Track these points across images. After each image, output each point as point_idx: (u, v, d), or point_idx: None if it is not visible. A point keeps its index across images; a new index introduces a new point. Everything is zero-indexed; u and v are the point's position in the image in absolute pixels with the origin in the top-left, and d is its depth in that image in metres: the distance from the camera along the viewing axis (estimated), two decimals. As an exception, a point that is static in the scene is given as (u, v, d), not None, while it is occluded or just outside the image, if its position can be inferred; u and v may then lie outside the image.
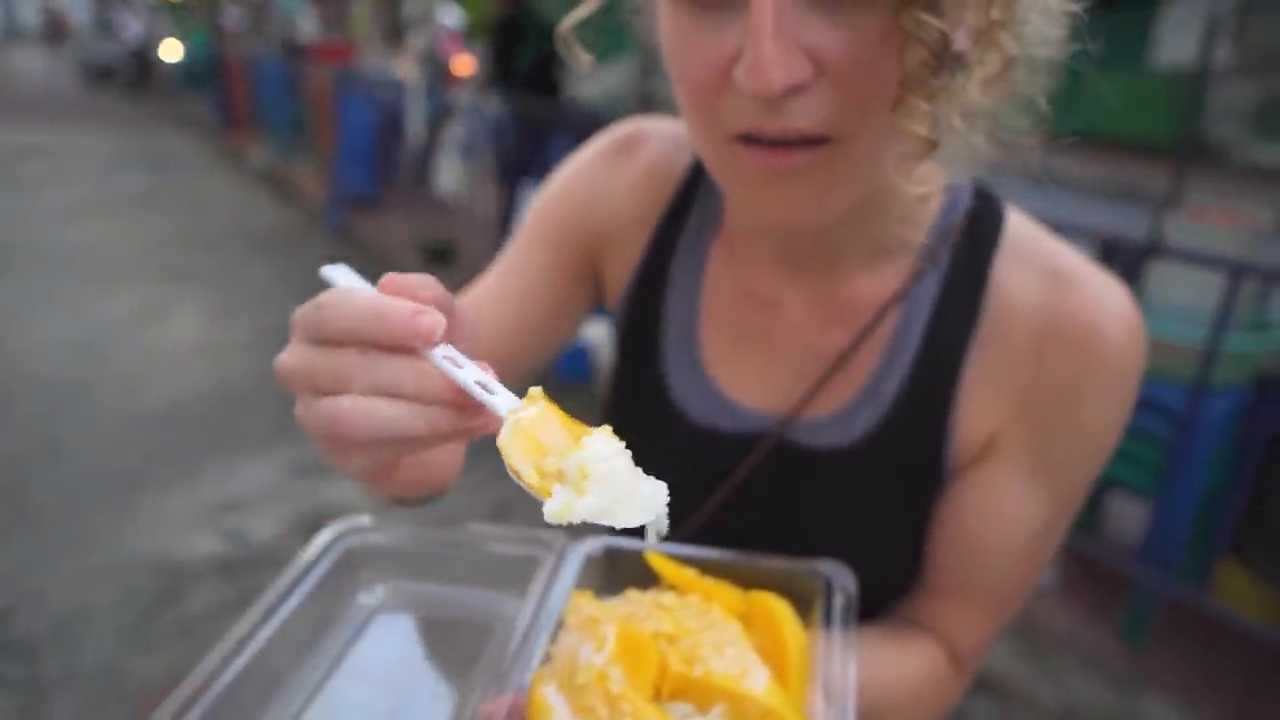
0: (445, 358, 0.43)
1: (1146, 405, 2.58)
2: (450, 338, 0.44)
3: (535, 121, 5.47)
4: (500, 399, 0.42)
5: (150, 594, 2.93)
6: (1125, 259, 2.57)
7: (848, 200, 0.58)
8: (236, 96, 12.37)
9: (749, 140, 0.55)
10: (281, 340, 0.47)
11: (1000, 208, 0.72)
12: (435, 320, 0.42)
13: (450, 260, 6.36)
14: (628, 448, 0.43)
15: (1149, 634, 2.62)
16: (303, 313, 0.46)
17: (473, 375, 0.43)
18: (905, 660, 0.71)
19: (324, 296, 0.45)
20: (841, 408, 0.72)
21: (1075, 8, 0.54)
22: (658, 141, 0.83)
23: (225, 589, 2.98)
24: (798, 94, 0.51)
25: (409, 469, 0.52)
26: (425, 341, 0.42)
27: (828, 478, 0.72)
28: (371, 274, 0.49)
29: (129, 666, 2.60)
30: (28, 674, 2.54)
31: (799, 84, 0.50)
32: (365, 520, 0.62)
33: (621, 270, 0.82)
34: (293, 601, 0.54)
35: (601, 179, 0.82)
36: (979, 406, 0.69)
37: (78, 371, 4.71)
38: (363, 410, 0.42)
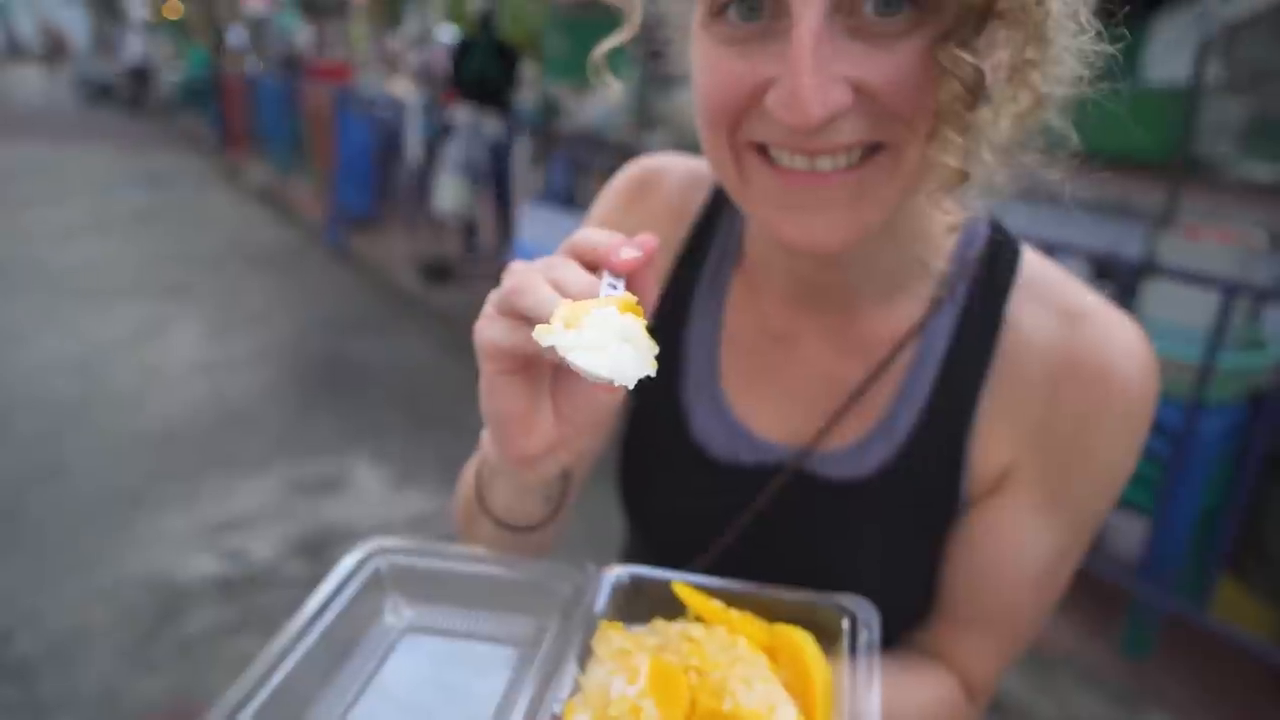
0: (609, 285, 0.53)
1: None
2: (632, 283, 0.55)
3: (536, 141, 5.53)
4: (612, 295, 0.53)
5: (149, 614, 2.92)
6: (1120, 278, 2.60)
7: (876, 224, 0.59)
8: (235, 115, 12.44)
9: (765, 154, 0.57)
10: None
11: (1016, 245, 0.73)
12: (629, 255, 0.55)
13: (448, 278, 6.38)
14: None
15: (1149, 650, 2.62)
16: (567, 246, 0.58)
17: (618, 294, 0.52)
18: (921, 691, 0.72)
19: (584, 228, 0.58)
20: (857, 440, 0.73)
21: (1108, 49, 0.55)
22: (673, 179, 0.84)
23: (224, 609, 2.97)
24: (834, 119, 0.52)
25: (519, 394, 0.56)
26: (613, 265, 0.54)
27: (843, 509, 0.73)
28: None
29: (128, 687, 2.59)
30: (26, 696, 2.53)
31: (836, 113, 0.51)
32: (393, 542, 0.63)
33: (646, 304, 0.84)
34: (322, 623, 0.55)
35: (620, 221, 0.84)
36: (994, 440, 0.70)
37: (75, 390, 4.71)
38: (534, 284, 0.52)
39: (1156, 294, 2.58)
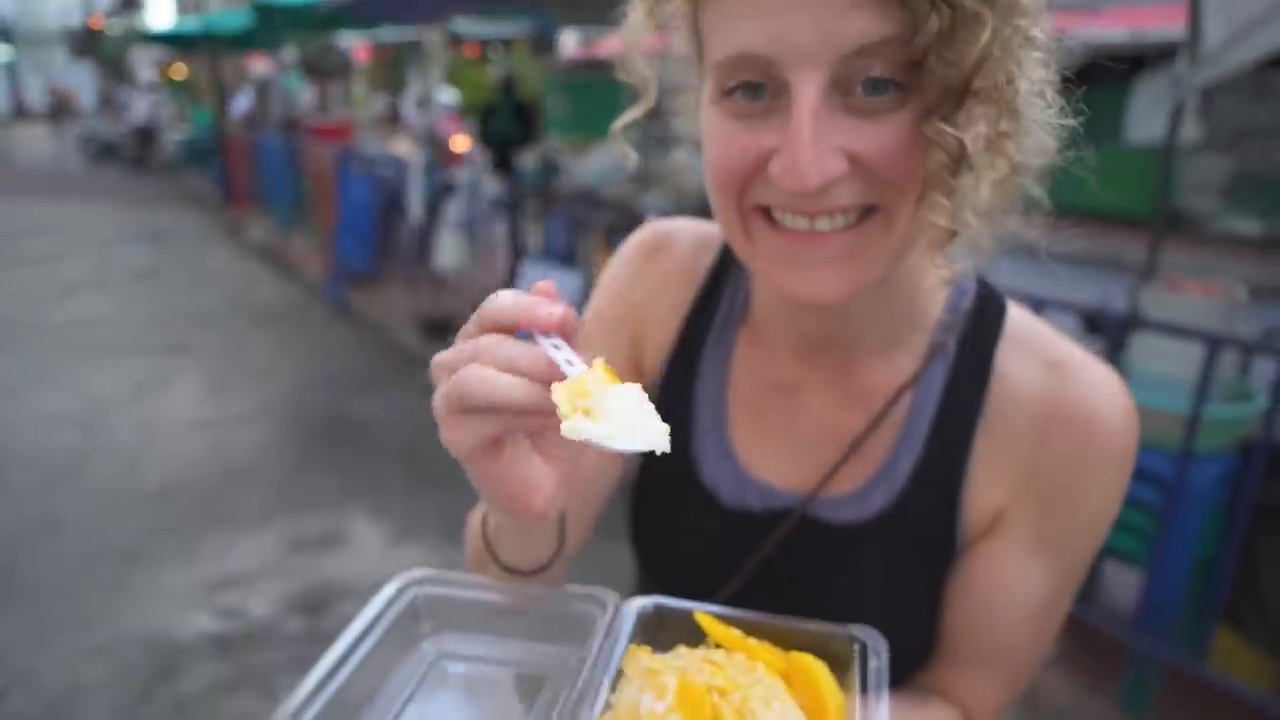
0: (553, 345, 0.53)
1: (1135, 473, 2.63)
2: (564, 335, 0.54)
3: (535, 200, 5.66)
4: (577, 368, 0.52)
5: (144, 673, 2.90)
6: (1109, 331, 2.66)
7: (873, 278, 0.64)
8: (238, 173, 12.65)
9: (769, 216, 0.62)
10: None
11: (1002, 300, 0.78)
12: (553, 311, 0.53)
13: (449, 335, 6.43)
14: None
15: (1148, 703, 2.61)
16: (475, 318, 0.57)
17: (565, 355, 0.52)
18: None
19: (495, 295, 0.56)
20: (859, 486, 0.77)
21: (1071, 122, 0.61)
22: (682, 243, 0.90)
23: (221, 667, 2.94)
24: (831, 184, 0.58)
25: (509, 464, 0.57)
26: (543, 325, 0.53)
27: (847, 552, 0.77)
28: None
29: (122, 748, 2.56)
30: (19, 757, 2.50)
31: (833, 180, 0.57)
32: (428, 572, 0.66)
33: (654, 359, 0.89)
34: (361, 649, 0.58)
35: (634, 283, 0.90)
36: (986, 484, 0.74)
37: (74, 446, 4.72)
38: (482, 376, 0.52)
39: (1143, 346, 2.64)
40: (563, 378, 0.51)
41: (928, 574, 0.76)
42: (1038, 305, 2.65)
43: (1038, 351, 0.74)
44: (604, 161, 7.95)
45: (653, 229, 0.92)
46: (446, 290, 6.91)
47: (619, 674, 0.55)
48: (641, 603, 0.62)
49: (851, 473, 0.77)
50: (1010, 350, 0.75)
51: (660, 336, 0.88)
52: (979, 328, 0.76)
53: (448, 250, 6.36)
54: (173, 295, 8.22)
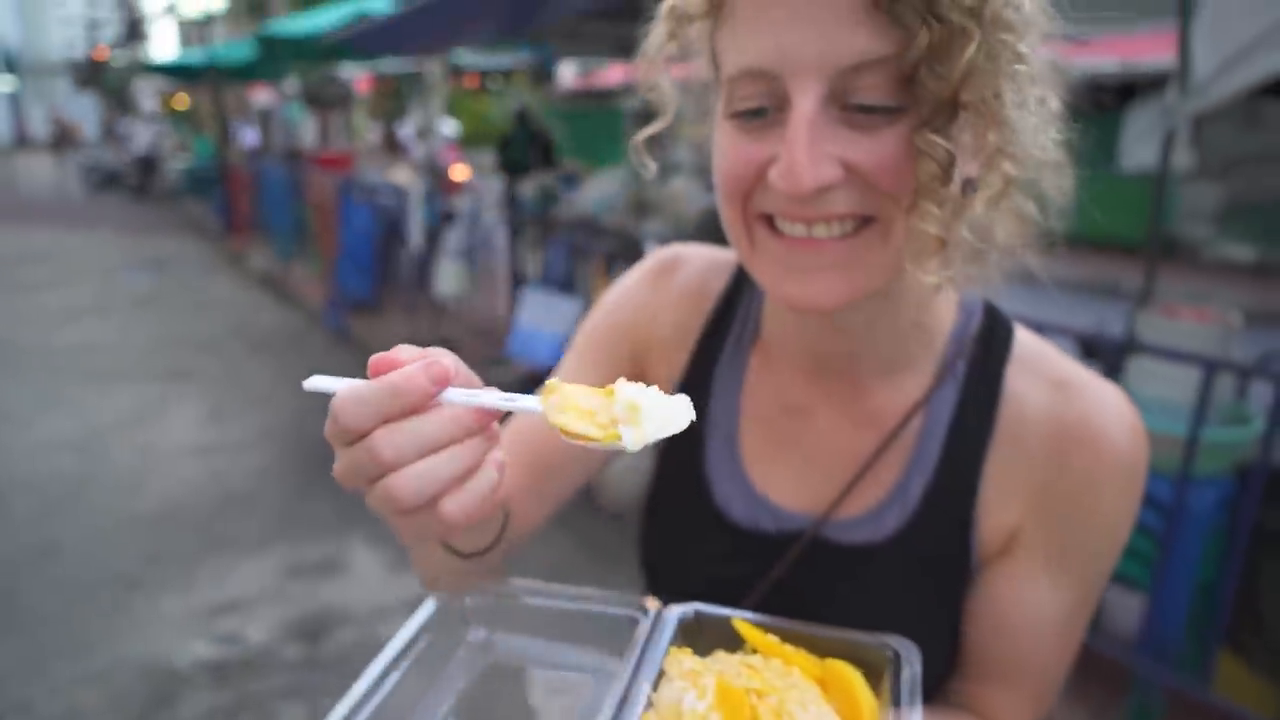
0: (463, 393, 0.49)
1: (1136, 496, 2.64)
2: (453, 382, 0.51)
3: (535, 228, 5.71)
4: (527, 400, 0.50)
5: (141, 700, 2.88)
6: (1105, 356, 2.68)
7: (870, 287, 0.66)
8: (239, 202, 12.74)
9: (773, 225, 0.65)
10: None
11: (1008, 322, 0.80)
12: (442, 364, 0.49)
13: (447, 359, 6.45)
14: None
15: (1155, 729, 2.59)
16: (328, 431, 0.50)
17: (493, 396, 0.50)
18: None
19: (335, 405, 0.49)
20: (872, 507, 0.78)
21: (1062, 136, 0.64)
22: (695, 265, 0.91)
23: (218, 694, 2.92)
24: (827, 191, 0.61)
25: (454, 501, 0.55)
26: (443, 384, 0.49)
27: (860, 573, 0.77)
28: (367, 374, 0.53)
29: (118, 777, 2.53)
30: (14, 786, 2.48)
31: (827, 185, 0.60)
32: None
33: (664, 381, 0.90)
34: (416, 648, 0.61)
35: (645, 300, 0.91)
36: (999, 505, 0.75)
37: (74, 471, 4.72)
38: (410, 476, 0.48)
39: (1140, 371, 2.66)
40: (497, 414, 0.50)
41: (942, 594, 0.77)
42: (1036, 330, 2.67)
43: (1045, 372, 0.76)
44: (603, 189, 8.02)
45: (666, 251, 0.94)
46: (446, 317, 6.95)
47: (661, 674, 0.57)
48: (682, 609, 0.64)
49: (863, 494, 0.78)
50: (1018, 371, 0.76)
51: (670, 357, 0.89)
52: (987, 350, 0.78)
53: (447, 277, 6.41)
54: (173, 322, 8.25)
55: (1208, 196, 11.13)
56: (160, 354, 7.09)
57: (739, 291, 0.89)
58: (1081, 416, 0.72)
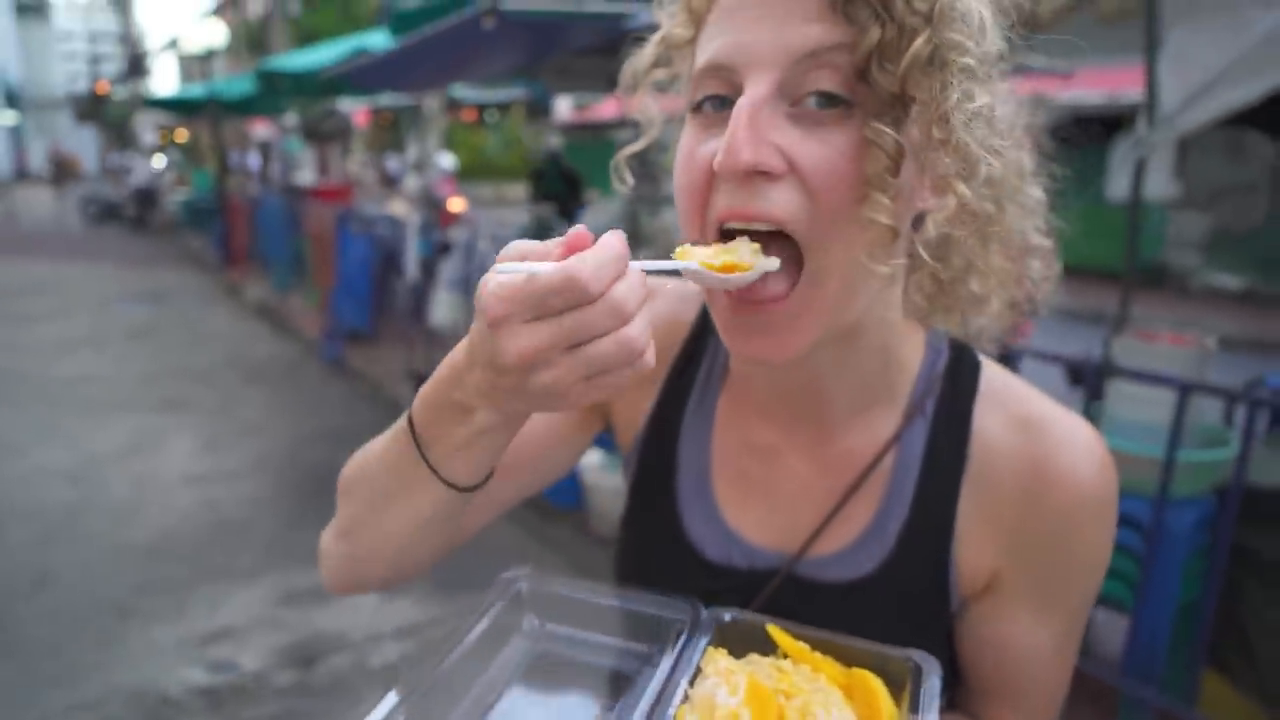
0: (643, 270, 0.55)
1: (1118, 519, 2.68)
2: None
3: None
4: (678, 263, 0.60)
5: (134, 728, 2.88)
6: (1086, 380, 2.74)
7: (815, 335, 0.65)
8: (237, 234, 12.84)
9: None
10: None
11: (975, 358, 0.80)
12: (632, 281, 0.53)
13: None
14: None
15: (1143, 751, 2.61)
16: (521, 293, 0.52)
17: (644, 265, 0.55)
18: None
19: (548, 282, 0.51)
20: (849, 545, 0.78)
21: (1007, 159, 0.67)
22: (663, 298, 0.91)
23: (211, 721, 2.93)
24: (771, 181, 0.61)
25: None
26: (619, 269, 0.53)
27: (838, 610, 0.77)
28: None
29: (109, 804, 2.53)
30: (4, 814, 2.47)
31: (765, 167, 0.60)
32: (534, 570, 0.75)
33: (632, 417, 0.90)
34: (478, 629, 0.67)
35: None
36: (976, 542, 0.75)
37: (67, 500, 4.73)
38: (582, 393, 0.54)
39: (1120, 395, 2.71)
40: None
41: (920, 631, 0.76)
42: (1022, 356, 2.74)
43: (1013, 408, 0.76)
44: (597, 220, 8.12)
45: None
46: (440, 346, 7.00)
47: (697, 671, 0.61)
48: (720, 612, 0.68)
49: (838, 532, 0.78)
50: (986, 408, 0.77)
51: (635, 398, 0.90)
52: (955, 387, 0.78)
53: (443, 308, 6.47)
54: (170, 353, 8.28)
55: (1194, 226, 11.29)
56: (156, 385, 7.11)
57: (704, 331, 0.88)
58: (1051, 455, 0.73)
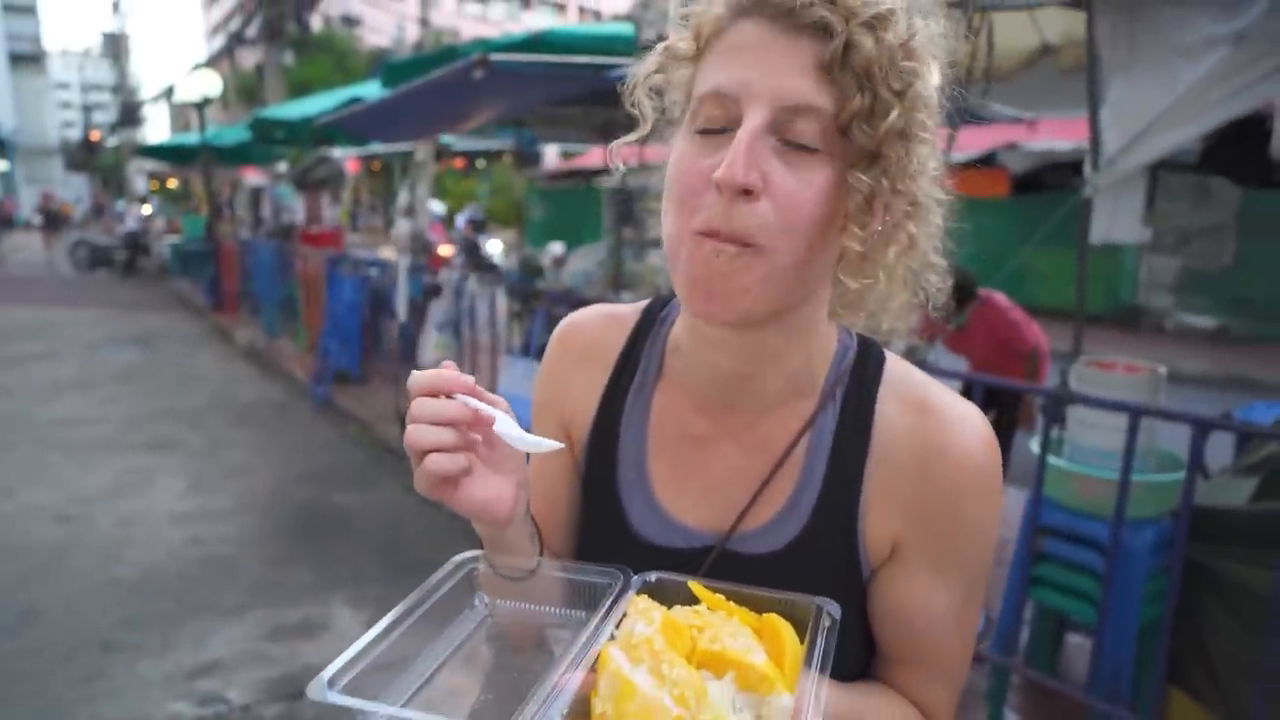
0: (465, 401, 0.74)
1: (1080, 540, 2.79)
2: (472, 394, 0.74)
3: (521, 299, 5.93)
4: (488, 410, 0.74)
5: (119, 760, 2.90)
6: (1046, 408, 2.87)
7: (762, 303, 0.76)
8: (228, 278, 12.95)
9: (705, 238, 0.77)
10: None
11: (880, 351, 0.90)
12: (457, 376, 0.74)
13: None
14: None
15: (1113, 771, 2.67)
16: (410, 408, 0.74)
17: (475, 404, 0.74)
18: (892, 706, 0.88)
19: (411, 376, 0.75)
20: (769, 520, 0.87)
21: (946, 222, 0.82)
22: (591, 325, 1.02)
23: (197, 753, 2.95)
24: (748, 200, 0.72)
25: (469, 488, 0.75)
26: (453, 389, 0.74)
27: (762, 580, 0.84)
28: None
29: (95, 834, 2.54)
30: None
31: (751, 187, 0.71)
32: (481, 553, 0.84)
33: (583, 423, 0.99)
34: (426, 604, 0.76)
35: (553, 370, 1.03)
36: (880, 514, 0.85)
37: (54, 540, 4.75)
38: (421, 430, 0.72)
39: (1079, 422, 2.84)
40: (478, 417, 0.74)
41: (838, 597, 0.83)
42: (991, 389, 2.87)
43: (910, 395, 0.86)
44: (585, 263, 8.28)
45: (564, 321, 1.05)
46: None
47: (623, 618, 0.70)
48: (646, 575, 0.78)
49: (762, 510, 0.87)
50: (887, 394, 0.87)
51: (583, 408, 0.99)
52: (861, 377, 0.88)
53: (430, 348, 6.58)
54: (158, 395, 8.32)
55: (1166, 269, 11.60)
56: (143, 426, 7.15)
57: (640, 338, 0.98)
58: (941, 434, 0.83)
